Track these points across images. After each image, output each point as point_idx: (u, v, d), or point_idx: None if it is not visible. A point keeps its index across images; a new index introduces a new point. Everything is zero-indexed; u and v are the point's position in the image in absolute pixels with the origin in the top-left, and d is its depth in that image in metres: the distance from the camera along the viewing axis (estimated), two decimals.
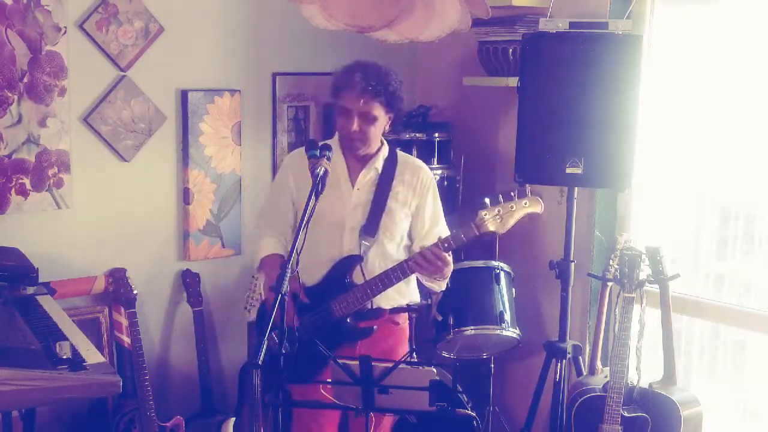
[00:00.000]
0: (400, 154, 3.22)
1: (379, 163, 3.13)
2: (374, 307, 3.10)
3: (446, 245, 2.97)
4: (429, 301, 3.66)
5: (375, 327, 3.08)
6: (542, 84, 3.42)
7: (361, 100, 3.00)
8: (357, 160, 3.13)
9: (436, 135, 3.99)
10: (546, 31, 3.40)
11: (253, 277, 3.68)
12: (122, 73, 3.64)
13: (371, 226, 3.08)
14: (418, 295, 3.28)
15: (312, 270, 3.05)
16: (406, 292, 3.19)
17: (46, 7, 3.40)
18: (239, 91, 3.95)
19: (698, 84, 3.56)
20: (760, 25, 3.35)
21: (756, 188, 3.46)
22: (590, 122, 3.35)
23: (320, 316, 3.03)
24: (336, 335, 3.02)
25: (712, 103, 3.53)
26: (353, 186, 3.12)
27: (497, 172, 4.16)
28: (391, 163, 3.15)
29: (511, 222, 2.96)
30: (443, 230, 3.22)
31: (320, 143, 2.98)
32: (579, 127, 3.36)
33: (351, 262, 3.08)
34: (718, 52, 3.49)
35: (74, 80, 3.51)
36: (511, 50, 3.78)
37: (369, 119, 3.03)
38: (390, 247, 3.13)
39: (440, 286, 3.18)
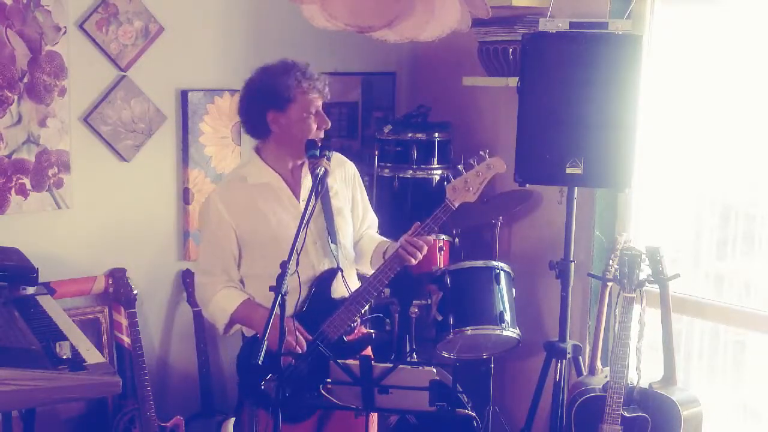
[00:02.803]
0: None
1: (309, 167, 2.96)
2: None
3: (426, 228, 2.91)
4: (429, 301, 3.66)
5: (372, 332, 3.01)
6: (542, 84, 3.42)
7: (328, 95, 2.94)
8: (291, 174, 2.97)
9: (436, 135, 3.99)
10: (546, 31, 3.40)
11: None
12: (122, 73, 3.64)
13: (332, 233, 2.95)
14: None
15: (287, 298, 2.56)
16: None
17: (46, 7, 3.40)
18: (239, 91, 3.94)
19: (698, 84, 3.57)
20: (760, 25, 3.35)
21: (756, 188, 3.46)
22: (590, 122, 3.35)
23: (318, 347, 2.80)
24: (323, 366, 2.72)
25: (712, 103, 3.53)
26: (299, 200, 2.94)
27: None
28: None
29: (481, 187, 2.94)
30: (373, 216, 3.20)
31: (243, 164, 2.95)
32: (579, 127, 3.36)
33: (328, 277, 2.93)
34: (718, 52, 3.49)
35: (74, 80, 3.51)
36: (511, 50, 3.78)
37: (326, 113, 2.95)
38: (350, 248, 3.06)
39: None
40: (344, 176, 3.08)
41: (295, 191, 2.96)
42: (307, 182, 2.93)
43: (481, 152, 2.95)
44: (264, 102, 2.92)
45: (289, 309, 2.71)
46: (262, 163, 2.97)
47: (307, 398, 2.71)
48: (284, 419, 2.83)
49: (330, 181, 2.97)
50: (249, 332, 2.99)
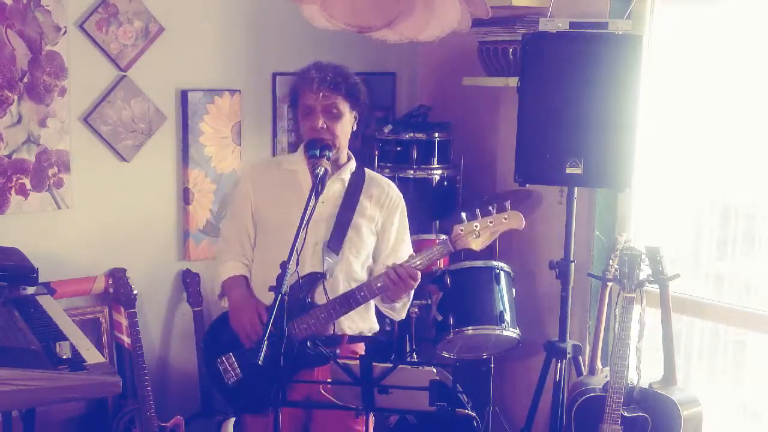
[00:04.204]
0: (369, 171, 3.08)
1: (345, 174, 2.99)
2: (336, 332, 2.93)
3: (418, 262, 2.84)
4: (429, 301, 3.66)
5: (338, 351, 2.90)
6: (542, 84, 3.42)
7: (321, 93, 2.87)
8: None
9: (436, 135, 3.98)
10: (546, 31, 3.39)
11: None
12: (122, 73, 3.64)
13: (336, 242, 2.91)
14: (377, 324, 3.11)
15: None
16: (367, 318, 3.04)
17: (46, 7, 3.40)
18: (239, 91, 3.95)
19: (698, 84, 3.56)
20: (760, 25, 3.35)
21: (756, 188, 3.46)
22: (590, 122, 3.35)
23: (278, 339, 2.72)
24: (295, 359, 2.80)
25: (712, 103, 3.53)
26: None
27: (497, 172, 4.16)
28: (358, 177, 3.01)
29: (490, 238, 2.85)
30: (408, 251, 3.08)
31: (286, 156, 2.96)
32: (579, 127, 3.36)
33: (313, 279, 2.89)
34: (719, 52, 3.49)
35: (74, 80, 3.51)
36: (511, 50, 3.78)
37: (333, 115, 2.89)
38: (356, 266, 2.98)
39: (399, 313, 3.03)
40: (382, 199, 3.02)
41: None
42: (330, 184, 2.88)
43: (506, 203, 2.86)
44: (290, 96, 3.04)
45: (269, 299, 2.68)
46: (301, 154, 2.99)
47: (263, 389, 2.71)
48: (242, 408, 2.88)
49: (362, 197, 2.98)
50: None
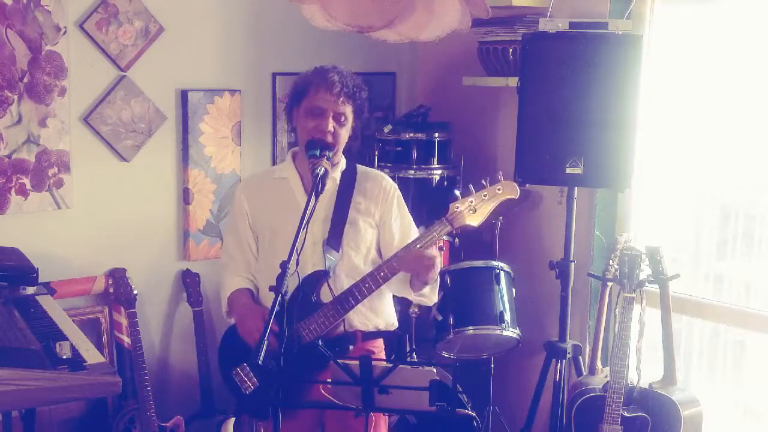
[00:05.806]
0: (360, 167, 3.07)
1: (336, 173, 2.97)
2: (348, 329, 2.91)
3: (419, 245, 2.82)
4: None
5: (351, 347, 2.89)
6: (542, 84, 3.42)
7: (340, 99, 2.87)
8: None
9: (436, 135, 3.98)
10: (546, 31, 3.40)
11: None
12: (122, 73, 3.64)
13: (334, 239, 2.91)
14: (395, 319, 3.09)
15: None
16: (381, 313, 3.01)
17: (46, 7, 3.40)
18: (239, 91, 3.95)
19: (698, 84, 3.56)
20: (760, 25, 3.35)
21: (756, 188, 3.46)
22: (590, 122, 3.35)
23: (288, 342, 2.65)
24: (307, 361, 2.77)
25: (712, 103, 3.53)
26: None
27: (497, 173, 4.15)
28: (350, 174, 3.01)
29: (487, 211, 2.81)
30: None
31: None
32: (579, 127, 3.36)
33: (316, 278, 2.87)
34: (718, 52, 3.49)
35: (74, 80, 3.51)
36: (511, 50, 3.78)
37: (342, 121, 2.90)
38: (357, 260, 2.96)
39: (430, 298, 3.02)
40: (376, 192, 3.01)
41: (309, 190, 2.90)
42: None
43: (498, 174, 2.85)
44: (291, 98, 3.01)
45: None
46: (290, 161, 3.04)
47: (269, 394, 2.69)
48: (249, 413, 2.87)
49: (355, 192, 2.98)
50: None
